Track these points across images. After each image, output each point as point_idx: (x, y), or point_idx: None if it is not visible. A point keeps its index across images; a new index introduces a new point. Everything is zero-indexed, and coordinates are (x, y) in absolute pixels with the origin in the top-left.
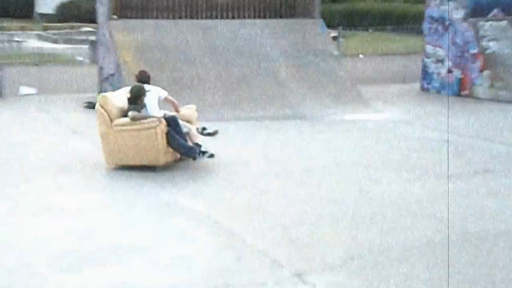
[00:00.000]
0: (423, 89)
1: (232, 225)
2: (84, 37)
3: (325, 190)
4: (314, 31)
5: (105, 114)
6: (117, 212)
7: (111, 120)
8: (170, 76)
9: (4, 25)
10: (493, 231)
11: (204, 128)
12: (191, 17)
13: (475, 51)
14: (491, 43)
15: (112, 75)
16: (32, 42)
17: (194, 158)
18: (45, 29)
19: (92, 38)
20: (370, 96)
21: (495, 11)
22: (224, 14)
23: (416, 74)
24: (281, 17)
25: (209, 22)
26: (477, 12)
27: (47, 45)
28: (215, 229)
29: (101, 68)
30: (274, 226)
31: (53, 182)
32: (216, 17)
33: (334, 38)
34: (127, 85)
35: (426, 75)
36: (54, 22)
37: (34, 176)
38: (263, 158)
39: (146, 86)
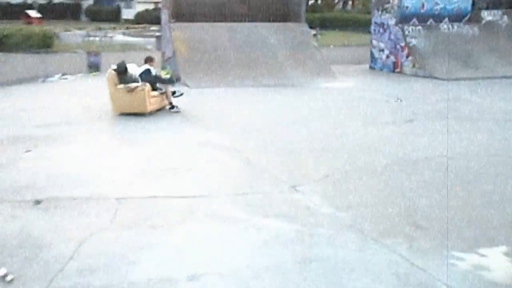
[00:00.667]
0: (371, 68)
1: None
2: (151, 33)
3: (306, 131)
4: (301, 30)
5: (112, 80)
6: (167, 145)
7: (115, 84)
8: (208, 58)
9: (101, 26)
10: (422, 157)
11: (174, 92)
12: (221, 21)
13: (402, 44)
14: (412, 40)
15: (170, 58)
16: (119, 37)
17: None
18: (127, 28)
19: (158, 34)
20: (337, 72)
21: (414, 20)
22: (243, 19)
23: (366, 58)
24: (279, 21)
25: (233, 24)
26: (403, 19)
27: (128, 39)
28: (237, 157)
29: (163, 53)
30: (276, 156)
31: (127, 121)
32: (237, 21)
33: (314, 35)
34: (179, 64)
35: (372, 59)
36: (133, 24)
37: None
38: (264, 108)
39: (143, 66)
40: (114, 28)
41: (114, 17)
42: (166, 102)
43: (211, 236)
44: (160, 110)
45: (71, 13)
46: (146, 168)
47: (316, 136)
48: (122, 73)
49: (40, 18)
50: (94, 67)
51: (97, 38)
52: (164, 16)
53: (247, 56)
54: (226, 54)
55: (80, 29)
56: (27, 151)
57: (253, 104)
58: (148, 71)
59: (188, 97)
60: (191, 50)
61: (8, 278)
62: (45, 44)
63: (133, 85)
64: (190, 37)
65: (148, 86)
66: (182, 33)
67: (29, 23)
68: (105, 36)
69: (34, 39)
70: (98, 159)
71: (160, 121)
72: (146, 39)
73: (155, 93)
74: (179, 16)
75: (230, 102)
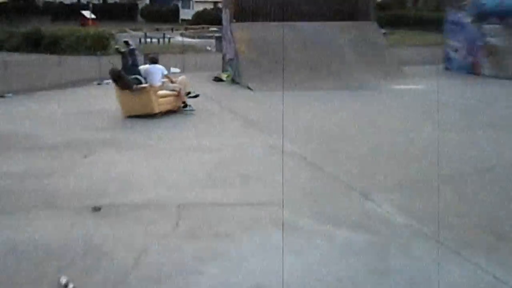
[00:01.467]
0: (446, 69)
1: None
2: (211, 34)
3: (377, 137)
4: (370, 29)
5: (116, 86)
6: (232, 150)
7: (121, 89)
8: (270, 59)
9: (160, 27)
10: (502, 165)
11: (189, 92)
12: (285, 20)
13: (481, 43)
14: (491, 38)
15: (231, 59)
16: (177, 39)
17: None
18: (186, 29)
19: (218, 35)
20: (409, 73)
21: (492, 17)
22: (307, 18)
23: (439, 59)
24: (346, 20)
25: (297, 23)
26: (480, 17)
27: (187, 40)
28: (306, 163)
29: (224, 55)
30: (346, 163)
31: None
32: (301, 20)
33: (384, 34)
34: (241, 66)
35: (448, 59)
36: (192, 24)
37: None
38: (332, 113)
39: (153, 65)
40: (172, 29)
41: (171, 17)
42: (179, 102)
43: (278, 246)
44: (175, 111)
45: (126, 14)
46: (210, 173)
47: (388, 142)
48: (117, 80)
49: (94, 19)
50: None
51: (154, 40)
52: (225, 16)
53: (312, 57)
54: (291, 55)
55: (136, 30)
56: (84, 157)
57: (319, 107)
58: (130, 67)
59: (252, 101)
60: (254, 51)
61: (70, 287)
62: (100, 46)
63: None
64: (253, 37)
65: (155, 87)
66: (244, 34)
67: (84, 24)
68: (163, 37)
69: (89, 41)
70: (157, 163)
71: (220, 124)
72: (206, 40)
73: (166, 92)
74: (240, 15)
75: (296, 106)
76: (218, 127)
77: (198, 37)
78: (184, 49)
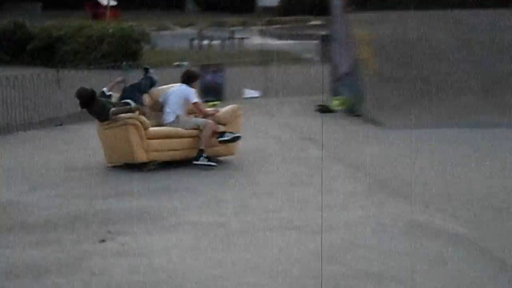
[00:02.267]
0: None
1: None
2: (312, 32)
3: None
4: None
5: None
6: (354, 231)
7: (99, 121)
8: (414, 74)
9: (224, 20)
10: None
11: (222, 134)
12: (440, 8)
13: None
14: None
15: (348, 74)
16: (254, 39)
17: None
18: (269, 24)
19: (323, 33)
20: None
21: None
22: (471, 3)
23: None
24: None
25: (462, 12)
26: None
27: (270, 42)
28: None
29: (334, 67)
30: None
31: (290, 193)
32: (470, 7)
33: None
34: (364, 86)
35: None
36: (278, 15)
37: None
38: None
39: (179, 85)
40: (245, 24)
41: (243, 4)
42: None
43: None
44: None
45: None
46: (312, 273)
47: None
48: (86, 105)
49: (115, 7)
50: (212, 92)
51: (216, 42)
52: (337, 0)
53: (486, 68)
54: (447, 66)
55: (185, 26)
56: (101, 241)
57: (501, 159)
58: (132, 89)
59: (381, 145)
60: (385, 61)
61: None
62: (126, 52)
63: (124, 109)
64: (383, 36)
65: (141, 119)
66: (369, 31)
67: (98, 16)
68: (230, 37)
69: (107, 43)
70: (223, 255)
71: (325, 184)
72: (303, 42)
73: (170, 130)
74: (361, 0)
75: (459, 155)
76: (321, 188)
77: (290, 37)
78: (266, 57)
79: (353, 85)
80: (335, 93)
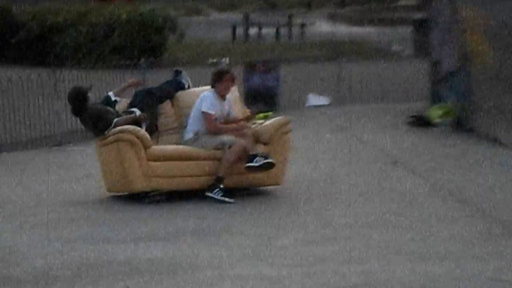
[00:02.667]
0: None
1: None
2: (402, 15)
3: None
4: None
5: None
6: None
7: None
8: None
9: (276, 1)
10: None
11: (253, 157)
12: None
13: None
14: None
15: (453, 73)
16: (321, 25)
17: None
18: (341, 4)
19: (418, 16)
20: None
21: None
22: None
23: None
24: None
25: None
26: None
27: (344, 29)
28: None
29: (434, 64)
30: None
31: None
32: None
33: None
34: (477, 89)
35: None
36: None
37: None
38: None
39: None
40: (309, 5)
41: None
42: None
43: None
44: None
45: None
46: None
47: None
48: (77, 112)
49: None
50: (262, 99)
51: (267, 30)
52: None
53: None
54: None
55: (225, 9)
56: None
57: None
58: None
59: (499, 173)
60: (504, 55)
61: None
62: (145, 45)
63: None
64: (501, 22)
65: (140, 133)
66: (481, 14)
67: None
68: (287, 24)
69: (118, 34)
70: None
71: (436, 232)
72: (389, 28)
73: (178, 149)
74: None
75: None
76: (417, 232)
77: (372, 23)
78: (338, 51)
79: (460, 88)
80: (435, 99)
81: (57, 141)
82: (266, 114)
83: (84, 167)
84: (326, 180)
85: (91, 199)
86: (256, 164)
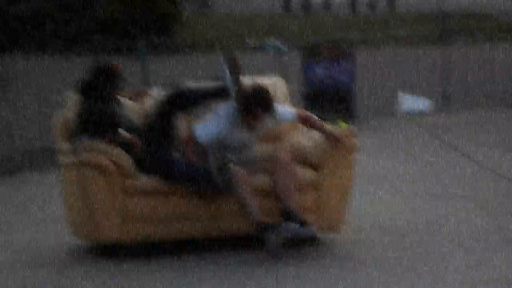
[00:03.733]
0: None
1: None
2: None
3: None
4: None
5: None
6: None
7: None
8: None
9: None
10: None
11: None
12: None
13: None
14: None
15: None
16: None
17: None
18: None
19: None
20: None
21: None
22: None
23: None
24: None
25: None
26: None
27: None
28: None
29: None
30: None
31: None
32: None
33: None
34: None
35: None
36: None
37: None
38: None
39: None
40: None
41: None
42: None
43: None
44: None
45: None
46: None
47: None
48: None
49: None
50: (331, 100)
51: None
52: None
53: None
54: None
55: None
56: None
57: None
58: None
59: None
60: None
61: None
62: (148, 18)
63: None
64: None
65: (112, 154)
66: None
67: None
68: None
69: (105, 3)
70: None
71: None
72: None
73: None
74: None
75: None
76: None
77: None
78: (445, 27)
79: None
80: None
81: (12, 165)
82: (338, 125)
83: (55, 203)
84: (419, 228)
85: (74, 253)
86: (287, 232)
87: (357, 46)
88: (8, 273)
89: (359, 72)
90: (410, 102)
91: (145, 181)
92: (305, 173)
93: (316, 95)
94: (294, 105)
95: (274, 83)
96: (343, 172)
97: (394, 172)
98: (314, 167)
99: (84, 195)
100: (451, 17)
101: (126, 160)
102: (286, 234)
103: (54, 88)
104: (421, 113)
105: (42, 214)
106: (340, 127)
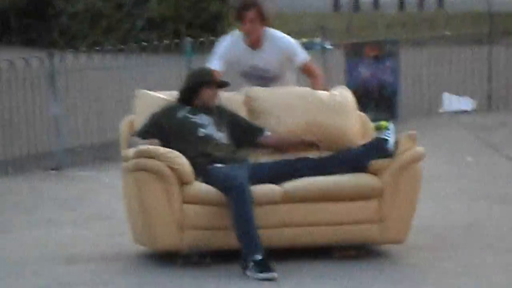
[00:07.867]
0: None
1: None
2: None
3: None
4: None
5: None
6: None
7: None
8: None
9: None
10: None
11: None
12: None
13: None
14: None
15: None
16: None
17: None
18: None
19: None
20: None
21: None
22: None
23: None
24: None
25: None
26: None
27: None
28: None
29: None
30: None
31: None
32: None
33: None
34: None
35: None
36: None
37: None
38: None
39: None
40: None
41: None
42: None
43: None
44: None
45: None
46: None
47: None
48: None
49: None
50: (374, 99)
51: None
52: None
53: None
54: None
55: None
56: None
57: None
58: None
59: None
60: None
61: None
62: (198, 17)
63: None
64: None
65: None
66: None
67: None
68: None
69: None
70: None
71: None
72: None
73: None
74: None
75: None
76: None
77: None
78: (497, 27)
79: None
80: None
81: (53, 163)
82: (379, 124)
83: (97, 203)
84: (459, 230)
85: (115, 254)
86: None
87: (403, 45)
88: (42, 269)
89: (404, 71)
90: (454, 101)
91: (204, 188)
92: (364, 177)
93: (359, 94)
94: None
95: (340, 93)
96: (407, 184)
97: (434, 173)
98: (372, 173)
99: (140, 201)
100: (499, 17)
101: (183, 165)
102: None
103: (102, 86)
104: (465, 113)
105: (88, 211)
106: (380, 126)
